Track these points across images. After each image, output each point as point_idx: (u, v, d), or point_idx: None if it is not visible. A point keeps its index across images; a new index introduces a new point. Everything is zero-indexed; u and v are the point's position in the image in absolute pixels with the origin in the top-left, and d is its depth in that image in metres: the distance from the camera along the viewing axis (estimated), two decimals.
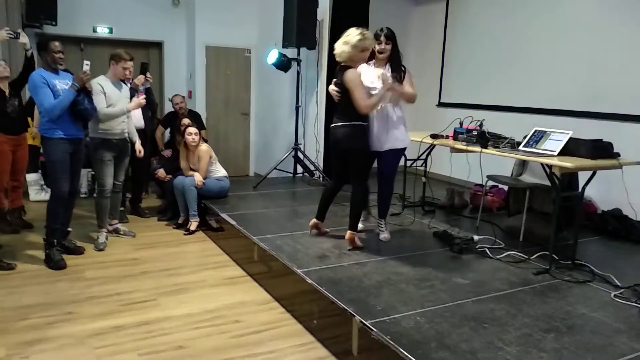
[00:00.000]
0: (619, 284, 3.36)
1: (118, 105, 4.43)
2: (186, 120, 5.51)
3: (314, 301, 3.18)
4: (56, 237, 4.14)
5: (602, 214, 4.86)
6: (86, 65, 4.01)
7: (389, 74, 3.81)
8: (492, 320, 2.79)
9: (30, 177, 6.04)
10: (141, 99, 4.61)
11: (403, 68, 3.90)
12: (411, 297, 3.06)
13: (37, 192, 6.10)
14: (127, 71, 4.52)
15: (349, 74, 3.68)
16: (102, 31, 7.22)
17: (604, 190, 4.80)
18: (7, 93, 4.59)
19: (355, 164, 3.82)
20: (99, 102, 4.28)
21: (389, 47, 3.85)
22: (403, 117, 3.98)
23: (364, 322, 2.69)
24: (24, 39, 4.36)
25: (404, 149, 4.04)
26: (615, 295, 3.19)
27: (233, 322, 3.30)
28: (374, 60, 3.96)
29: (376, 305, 2.90)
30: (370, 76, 3.90)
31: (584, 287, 3.34)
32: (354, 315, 2.77)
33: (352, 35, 3.65)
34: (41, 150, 4.61)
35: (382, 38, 3.84)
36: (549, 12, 5.69)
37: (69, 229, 4.40)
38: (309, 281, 3.25)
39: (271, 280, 3.84)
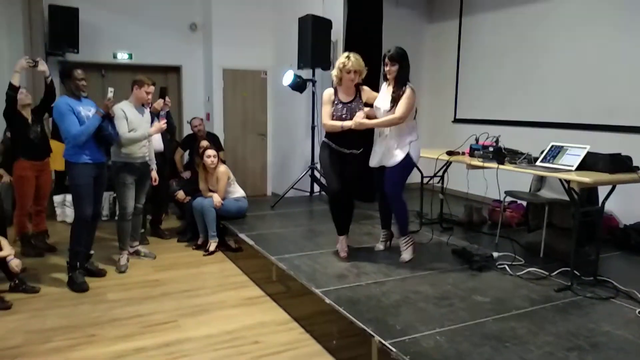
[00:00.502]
0: None
1: (140, 129, 4.53)
2: (204, 143, 5.59)
3: (333, 321, 3.17)
4: (79, 260, 4.22)
5: (624, 228, 4.78)
6: (110, 92, 4.15)
7: (361, 115, 3.92)
8: (513, 339, 2.76)
9: (57, 198, 6.20)
10: (162, 123, 4.72)
11: (404, 88, 3.85)
12: (430, 316, 3.04)
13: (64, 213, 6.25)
14: (149, 95, 4.63)
15: (324, 92, 4.06)
16: (122, 57, 7.41)
17: (625, 204, 4.73)
18: (29, 120, 4.74)
19: None
20: (121, 127, 4.39)
21: (394, 68, 3.87)
22: (402, 136, 3.92)
23: (383, 342, 2.69)
24: (42, 66, 4.50)
25: (396, 167, 3.92)
26: (639, 312, 3.12)
27: (252, 343, 3.31)
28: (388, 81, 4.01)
29: (395, 325, 2.89)
30: (382, 96, 4.01)
31: (607, 303, 3.29)
32: (373, 336, 2.77)
33: (339, 59, 3.95)
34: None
35: (387, 60, 3.90)
36: (563, 26, 5.69)
37: (92, 252, 4.48)
38: (328, 301, 3.25)
39: (290, 300, 3.85)
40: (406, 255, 4.09)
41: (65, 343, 3.26)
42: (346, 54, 3.94)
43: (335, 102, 3.99)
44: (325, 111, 4.01)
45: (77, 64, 4.45)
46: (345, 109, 3.95)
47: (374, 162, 4.10)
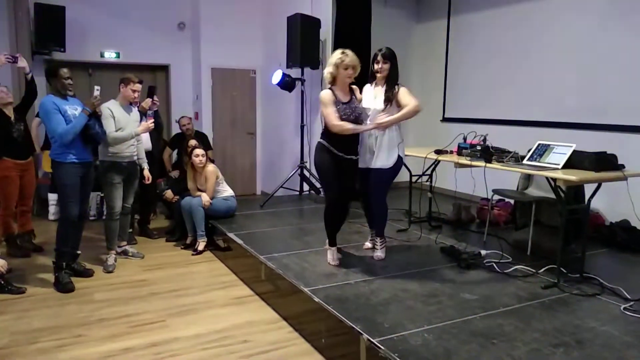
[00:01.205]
0: (628, 296, 3.33)
1: (127, 128, 4.50)
2: (193, 142, 5.57)
3: (322, 320, 3.17)
4: (65, 260, 4.18)
5: (610, 225, 4.84)
6: (97, 91, 4.10)
7: (384, 116, 3.78)
8: (500, 336, 2.78)
9: (53, 196, 6.18)
10: (150, 122, 4.68)
11: (396, 87, 3.84)
12: (419, 313, 3.05)
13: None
14: (136, 93, 4.59)
15: (321, 94, 3.82)
16: (110, 56, 7.36)
17: (611, 201, 4.78)
18: (12, 118, 4.68)
19: None
20: (108, 126, 4.35)
21: (386, 66, 3.83)
22: (392, 138, 3.89)
23: (372, 340, 2.69)
24: (22, 62, 4.42)
25: (388, 170, 3.90)
26: (624, 308, 3.16)
27: (241, 342, 3.30)
28: (375, 81, 3.97)
29: (383, 323, 2.90)
30: (368, 97, 3.96)
31: (593, 300, 3.32)
32: (362, 334, 2.77)
33: (334, 56, 3.75)
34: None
35: (380, 57, 3.85)
36: (550, 25, 5.74)
37: (78, 252, 4.44)
38: (316, 300, 3.25)
39: (279, 299, 3.84)
40: (381, 253, 4.10)
41: (52, 344, 3.23)
42: (340, 50, 3.77)
43: (337, 103, 3.76)
44: (331, 112, 3.72)
45: (63, 63, 4.39)
46: (348, 109, 3.76)
47: (367, 164, 3.97)
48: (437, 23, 7.43)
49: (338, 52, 3.78)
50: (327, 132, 3.83)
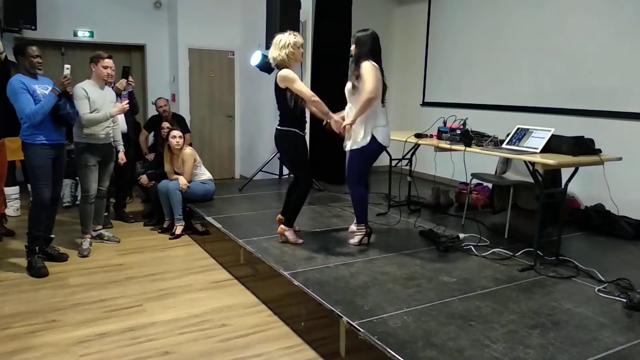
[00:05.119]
0: (602, 278, 3.40)
1: (103, 109, 4.38)
2: (166, 124, 5.45)
3: (301, 303, 3.16)
4: (38, 244, 4.07)
5: (585, 209, 4.92)
6: (67, 70, 3.96)
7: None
8: (478, 317, 2.81)
9: None
10: (124, 104, 4.56)
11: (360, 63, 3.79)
12: (398, 296, 3.06)
13: None
14: (107, 69, 4.45)
15: (285, 72, 3.80)
16: (83, 35, 7.14)
17: (586, 186, 4.86)
18: None
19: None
20: (83, 108, 4.23)
21: (352, 47, 3.88)
22: (366, 120, 3.78)
23: (351, 322, 2.69)
24: None
25: (357, 150, 3.86)
26: (599, 290, 3.22)
27: (220, 326, 3.28)
28: None
29: (363, 306, 2.90)
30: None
31: (568, 282, 3.38)
32: (341, 317, 2.77)
33: (286, 38, 3.77)
34: None
35: (352, 40, 3.91)
36: (530, 10, 5.75)
37: (52, 236, 4.34)
38: (296, 283, 3.24)
39: (258, 283, 3.82)
40: (352, 240, 4.04)
41: (25, 329, 3.16)
42: (287, 31, 3.81)
43: None
44: (304, 86, 3.79)
45: (33, 42, 4.24)
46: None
47: (346, 146, 3.97)
48: (417, 6, 7.39)
49: (286, 34, 3.79)
50: (296, 118, 3.88)
